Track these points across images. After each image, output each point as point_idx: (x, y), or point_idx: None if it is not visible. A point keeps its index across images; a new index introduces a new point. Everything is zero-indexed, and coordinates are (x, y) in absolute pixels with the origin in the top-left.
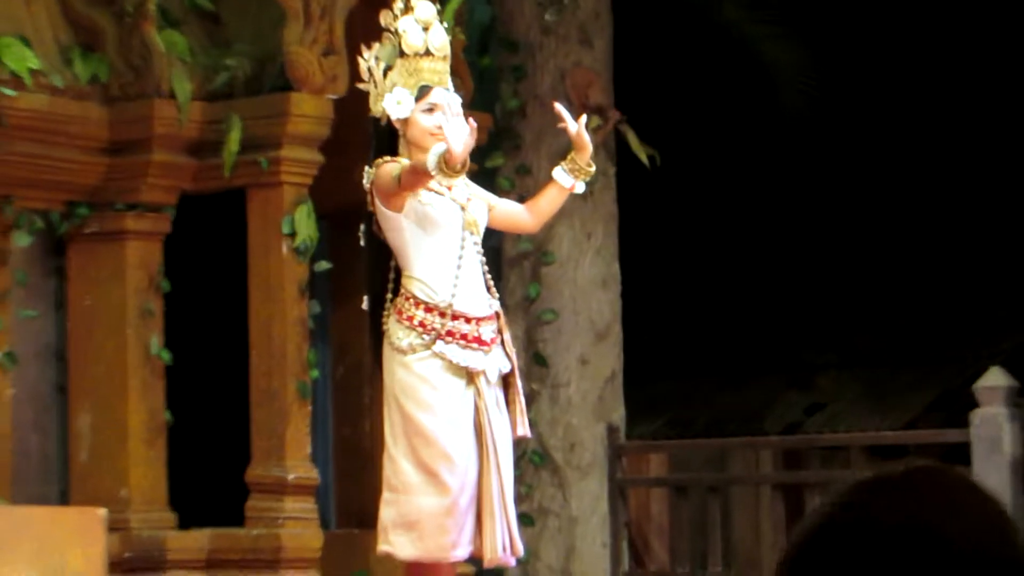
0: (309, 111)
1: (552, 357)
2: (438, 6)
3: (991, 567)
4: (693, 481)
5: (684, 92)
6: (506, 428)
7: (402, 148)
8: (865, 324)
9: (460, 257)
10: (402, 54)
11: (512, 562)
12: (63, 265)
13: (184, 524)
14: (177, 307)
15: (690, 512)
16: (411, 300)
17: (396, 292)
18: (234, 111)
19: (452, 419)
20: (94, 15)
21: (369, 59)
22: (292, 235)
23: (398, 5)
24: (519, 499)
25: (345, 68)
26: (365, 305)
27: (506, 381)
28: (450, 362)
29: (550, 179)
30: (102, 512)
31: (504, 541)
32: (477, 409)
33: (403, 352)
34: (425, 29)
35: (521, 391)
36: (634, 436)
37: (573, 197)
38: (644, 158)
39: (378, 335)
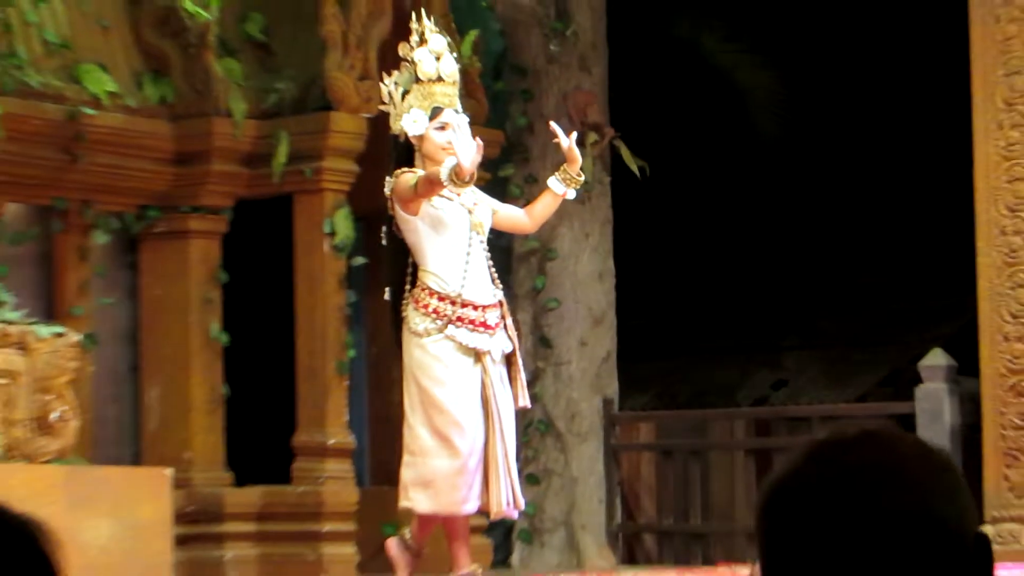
0: (347, 128)
1: (555, 340)
2: (449, 39)
3: (929, 511)
4: (677, 446)
5: (670, 113)
6: (509, 400)
7: (418, 161)
8: (824, 311)
9: (468, 254)
10: (418, 80)
11: (515, 515)
12: (136, 260)
13: (239, 482)
14: (233, 296)
15: (674, 473)
16: (426, 291)
17: (413, 284)
18: (282, 128)
19: (462, 392)
20: (162, 45)
21: (389, 84)
22: (332, 234)
23: (414, 38)
24: (527, 462)
25: (377, 91)
26: (387, 296)
27: (509, 360)
28: (460, 344)
29: (546, 187)
30: (168, 472)
31: (508, 497)
32: (483, 384)
33: (419, 335)
34: (437, 59)
35: (522, 368)
36: (626, 408)
37: (573, 203)
38: (635, 169)
39: (398, 321)
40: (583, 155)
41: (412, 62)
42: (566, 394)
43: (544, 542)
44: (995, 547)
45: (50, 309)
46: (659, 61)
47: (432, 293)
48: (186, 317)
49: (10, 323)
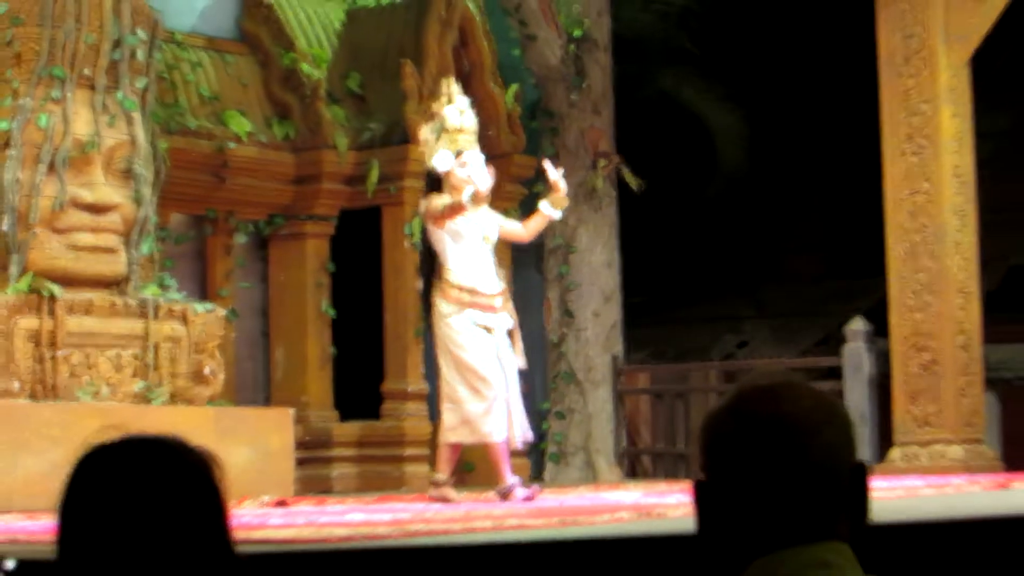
0: (421, 157)
1: (576, 312)
2: (471, 98)
3: (812, 449)
4: (666, 391)
5: (659, 145)
6: (513, 361)
7: (445, 188)
8: (773, 289)
9: (479, 256)
10: (446, 129)
11: (529, 438)
12: (266, 254)
13: (343, 418)
14: (339, 281)
15: (664, 410)
16: (449, 283)
17: (439, 278)
18: (374, 157)
19: (481, 354)
20: (286, 96)
21: (425, 132)
22: (410, 235)
23: (443, 98)
24: (555, 402)
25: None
26: (420, 287)
27: (510, 334)
28: (474, 322)
29: (536, 208)
30: (291, 411)
31: (523, 429)
32: (496, 348)
33: (445, 315)
34: (460, 113)
35: (520, 339)
36: (629, 362)
37: (589, 209)
38: (635, 186)
39: (428, 306)
40: (597, 176)
41: (441, 116)
42: (584, 352)
43: (568, 462)
44: (902, 465)
45: (203, 291)
46: (650, 106)
47: (453, 285)
48: (303, 296)
49: (175, 302)
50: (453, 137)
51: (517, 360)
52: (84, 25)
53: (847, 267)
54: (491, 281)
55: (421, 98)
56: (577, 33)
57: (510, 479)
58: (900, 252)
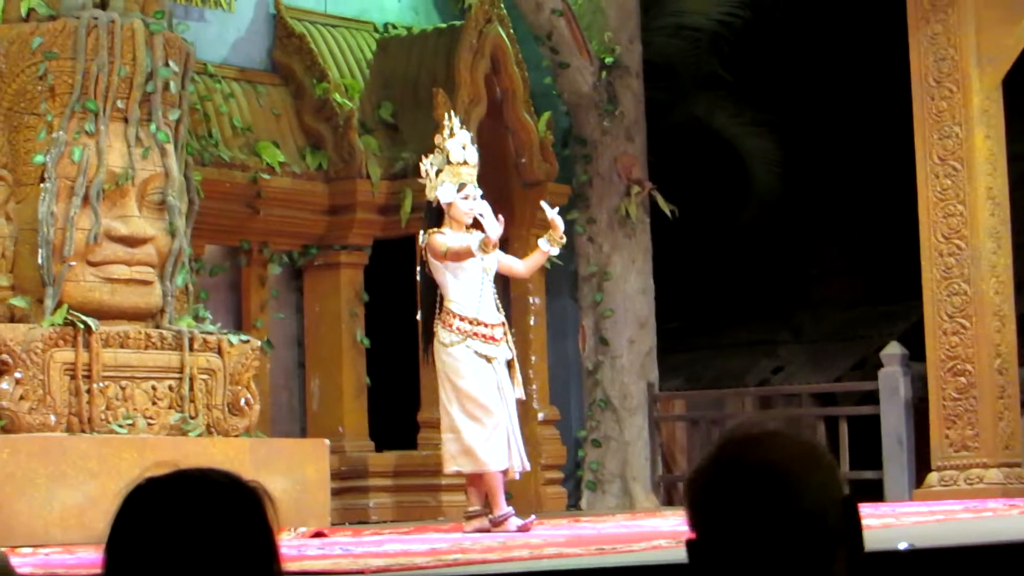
0: None
1: (611, 339)
2: (472, 133)
3: (799, 498)
4: (702, 417)
5: (692, 171)
6: (512, 392)
7: (446, 221)
8: (809, 315)
9: (480, 288)
10: (449, 162)
11: (526, 469)
12: (301, 285)
13: (379, 448)
14: (373, 311)
15: (700, 437)
16: (450, 314)
17: (440, 309)
18: (407, 186)
19: (482, 383)
20: (319, 126)
21: (426, 164)
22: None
23: (446, 132)
24: (591, 430)
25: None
26: (418, 316)
27: (510, 365)
28: (475, 351)
29: (536, 246)
30: (326, 441)
31: (520, 461)
32: (496, 378)
33: (446, 345)
34: (463, 147)
35: (519, 370)
36: (664, 388)
37: (622, 236)
38: (668, 212)
39: (428, 337)
40: (630, 202)
41: (444, 149)
42: (619, 379)
43: (605, 490)
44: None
45: (238, 322)
46: (683, 132)
47: (455, 315)
48: (338, 326)
49: (210, 333)
50: (456, 170)
51: (516, 392)
52: (117, 58)
53: (882, 291)
54: (492, 312)
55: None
56: (609, 60)
57: (504, 508)
58: (935, 275)
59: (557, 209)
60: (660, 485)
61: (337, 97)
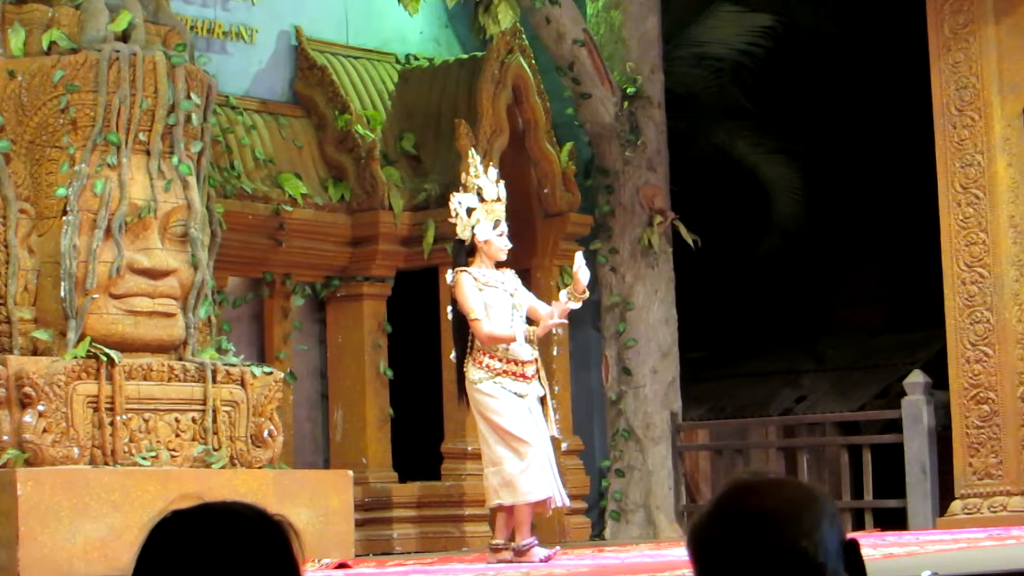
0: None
1: (634, 369)
2: (495, 163)
3: (796, 542)
4: (725, 446)
5: (714, 200)
6: (545, 429)
7: (477, 257)
8: (831, 344)
9: (511, 325)
10: (482, 200)
11: (566, 504)
12: (324, 316)
13: (402, 479)
14: (396, 342)
15: (724, 466)
16: (481, 351)
17: (472, 348)
18: (430, 217)
19: (516, 417)
20: (341, 158)
21: (455, 203)
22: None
23: (473, 170)
24: (615, 460)
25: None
26: (453, 357)
27: (542, 401)
28: (506, 389)
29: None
30: (350, 473)
31: (562, 494)
32: (531, 414)
33: (476, 383)
34: (496, 184)
35: (552, 407)
36: (687, 418)
37: (645, 266)
38: (690, 241)
39: (461, 377)
40: (652, 232)
41: (476, 187)
42: (643, 409)
43: (629, 520)
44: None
45: (261, 354)
46: (705, 161)
47: (485, 353)
48: (361, 358)
49: (233, 365)
50: (491, 207)
51: (550, 430)
52: (139, 91)
53: (905, 319)
54: (523, 349)
55: None
56: (631, 90)
57: (528, 539)
58: (958, 303)
59: (582, 256)
60: (684, 514)
61: (359, 128)
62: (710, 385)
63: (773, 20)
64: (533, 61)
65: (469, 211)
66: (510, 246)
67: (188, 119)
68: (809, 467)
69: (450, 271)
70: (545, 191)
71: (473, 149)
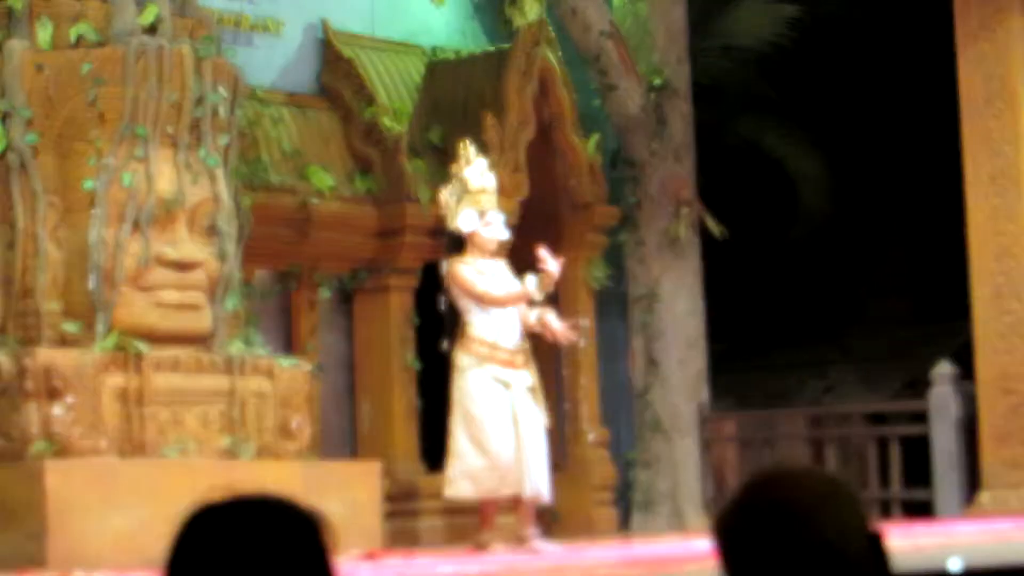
0: (503, 207)
1: (661, 360)
2: (492, 158)
3: (821, 533)
4: (753, 438)
5: (741, 192)
6: (535, 418)
7: (467, 248)
8: (858, 335)
9: (503, 312)
10: (468, 190)
11: (543, 500)
12: (351, 308)
13: (430, 470)
14: (423, 334)
15: (751, 458)
16: (469, 338)
17: (462, 334)
18: None
19: (492, 409)
20: (367, 150)
21: (444, 195)
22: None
23: (462, 160)
24: (642, 451)
25: (525, 180)
26: (444, 346)
27: (533, 391)
28: (493, 376)
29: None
30: (378, 464)
31: (533, 487)
32: (512, 405)
33: (463, 369)
34: (481, 174)
35: (542, 398)
36: (714, 409)
37: (672, 257)
38: (717, 233)
39: (450, 362)
40: (679, 223)
41: (462, 178)
42: (670, 400)
43: (656, 512)
44: (991, 508)
45: (289, 346)
46: (731, 152)
47: (474, 339)
48: (388, 350)
49: (260, 357)
50: (476, 198)
51: (542, 417)
52: (166, 84)
53: (932, 310)
54: (513, 337)
55: (503, 150)
56: (657, 81)
57: (485, 535)
58: (985, 294)
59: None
60: (711, 506)
61: (386, 121)
62: (737, 376)
63: (800, 10)
64: (559, 53)
65: (458, 202)
66: (502, 237)
67: (215, 112)
68: (836, 458)
69: (444, 261)
70: (571, 183)
71: (466, 141)
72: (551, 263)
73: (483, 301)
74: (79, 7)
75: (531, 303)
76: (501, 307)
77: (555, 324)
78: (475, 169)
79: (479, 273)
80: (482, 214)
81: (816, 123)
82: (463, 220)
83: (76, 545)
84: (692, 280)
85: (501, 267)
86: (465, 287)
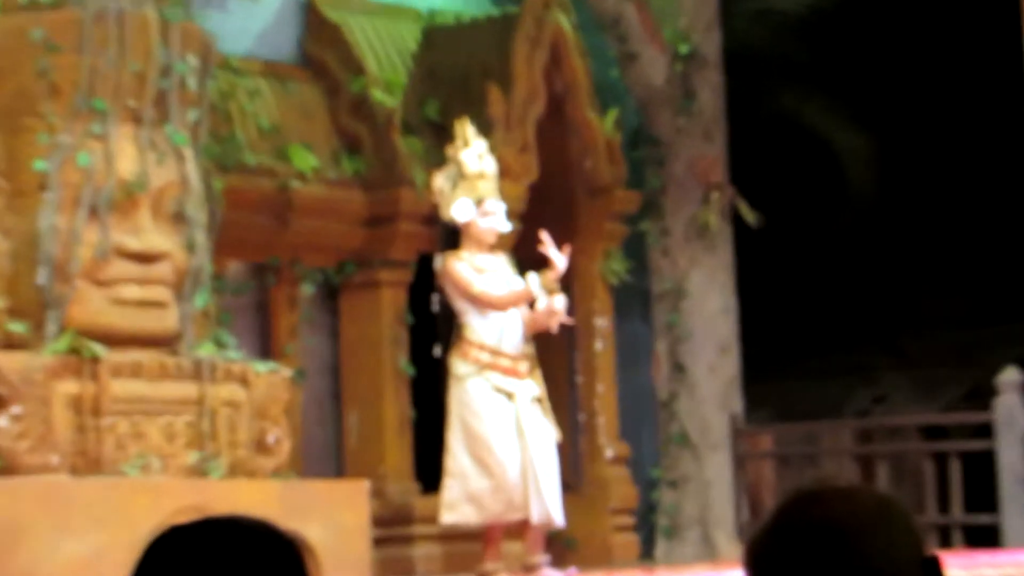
0: (509, 192)
1: (689, 366)
2: (488, 140)
3: (868, 556)
4: (793, 454)
5: (779, 174)
6: (543, 431)
7: (463, 241)
8: (913, 338)
9: (505, 315)
10: (463, 176)
11: (556, 524)
12: (336, 306)
13: (426, 490)
14: (418, 334)
15: (791, 476)
16: (467, 342)
17: (459, 338)
18: None
19: (495, 423)
20: (356, 127)
21: (438, 180)
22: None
23: (459, 142)
24: (667, 469)
25: (535, 161)
26: (437, 352)
27: (539, 403)
28: (494, 384)
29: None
30: (366, 483)
31: (541, 511)
32: (517, 418)
33: (461, 378)
34: (480, 158)
35: (550, 409)
36: (749, 422)
37: (701, 249)
38: (751, 220)
39: (444, 369)
40: (709, 210)
41: (459, 160)
42: (699, 411)
43: (683, 538)
44: None
45: (266, 349)
46: (768, 129)
47: (473, 344)
48: (379, 353)
49: (233, 361)
50: (473, 184)
51: (551, 431)
52: (128, 52)
53: (996, 311)
54: (516, 343)
55: (509, 127)
56: (684, 50)
57: (490, 564)
58: None
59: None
60: (745, 531)
61: (377, 94)
62: (775, 385)
63: None
64: (573, 17)
65: (454, 188)
66: (503, 229)
67: (184, 84)
68: (888, 477)
69: (438, 256)
70: (587, 164)
71: (465, 119)
72: (555, 254)
73: (481, 302)
74: None
75: (533, 304)
76: (501, 310)
77: (558, 306)
78: (473, 151)
79: (477, 270)
80: (480, 202)
81: (863, 96)
82: (458, 209)
83: (24, 574)
84: (724, 275)
85: (502, 263)
86: (461, 286)
